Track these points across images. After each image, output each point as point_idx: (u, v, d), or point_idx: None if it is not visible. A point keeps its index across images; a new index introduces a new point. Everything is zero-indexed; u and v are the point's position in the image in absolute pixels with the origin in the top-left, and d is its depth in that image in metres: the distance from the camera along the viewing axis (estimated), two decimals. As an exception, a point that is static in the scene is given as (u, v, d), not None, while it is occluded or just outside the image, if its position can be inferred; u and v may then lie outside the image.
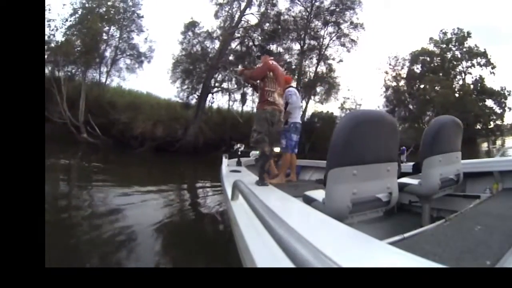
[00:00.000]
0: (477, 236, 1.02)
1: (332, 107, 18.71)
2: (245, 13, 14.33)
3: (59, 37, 11.85)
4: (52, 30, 11.61)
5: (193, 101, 13.85)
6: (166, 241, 2.63)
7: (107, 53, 14.16)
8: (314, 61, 16.05)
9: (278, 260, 0.53)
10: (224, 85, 15.08)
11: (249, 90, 15.47)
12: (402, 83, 19.80)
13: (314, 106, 16.91)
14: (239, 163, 2.75)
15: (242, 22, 14.43)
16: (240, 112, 15.45)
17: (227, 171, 2.12)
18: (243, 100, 15.57)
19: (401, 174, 1.78)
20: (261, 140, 2.68)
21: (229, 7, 14.63)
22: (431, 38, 20.04)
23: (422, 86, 18.60)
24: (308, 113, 16.41)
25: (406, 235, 1.11)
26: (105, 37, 13.50)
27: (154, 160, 10.14)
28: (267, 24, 14.74)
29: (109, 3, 12.79)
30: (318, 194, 1.41)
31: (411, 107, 19.27)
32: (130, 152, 10.76)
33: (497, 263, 0.81)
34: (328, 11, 15.26)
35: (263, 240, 0.64)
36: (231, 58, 14.48)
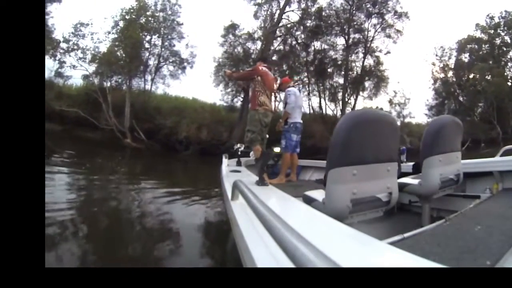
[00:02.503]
0: (477, 236, 1.02)
1: (380, 102, 17.99)
2: (285, 11, 14.07)
3: (103, 49, 12.37)
4: (95, 42, 12.11)
5: (238, 104, 13.79)
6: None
7: (151, 62, 14.48)
8: (360, 55, 15.56)
9: (278, 260, 0.53)
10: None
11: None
12: (450, 74, 18.46)
13: (362, 103, 16.38)
14: (239, 163, 2.75)
15: (283, 20, 14.20)
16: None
17: (227, 171, 2.11)
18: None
19: (401, 174, 1.78)
20: (255, 139, 2.76)
21: (268, 5, 14.44)
22: (477, 24, 17.96)
23: (471, 76, 17.01)
24: (357, 108, 15.83)
25: (406, 235, 1.11)
26: (147, 46, 13.84)
27: (198, 163, 10.16)
28: (309, 21, 14.47)
29: (148, 13, 13.04)
30: (318, 194, 1.41)
31: (461, 99, 18.06)
32: (175, 155, 10.81)
33: (497, 263, 0.81)
34: (370, 2, 14.74)
35: (263, 240, 0.63)
36: (274, 58, 14.27)
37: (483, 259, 0.82)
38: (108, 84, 12.67)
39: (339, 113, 15.29)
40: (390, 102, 16.30)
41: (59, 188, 4.15)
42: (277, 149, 3.10)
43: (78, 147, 9.71)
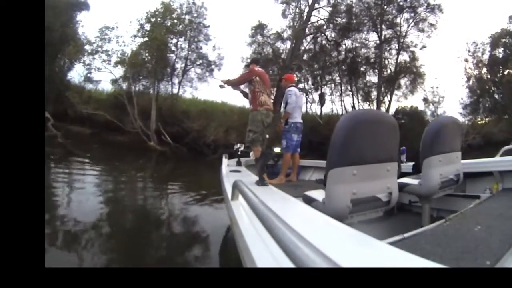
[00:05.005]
0: (477, 236, 1.02)
1: (415, 101, 17.12)
2: (314, 8, 13.73)
3: (129, 52, 12.37)
4: (120, 46, 12.06)
5: None
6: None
7: (178, 65, 14.34)
8: (393, 52, 14.83)
9: (278, 260, 0.53)
10: (300, 85, 14.50)
11: (327, 90, 15.19)
12: (484, 70, 16.98)
13: (397, 103, 15.60)
14: (239, 163, 2.75)
15: (312, 18, 13.85)
16: (319, 113, 14.75)
17: (227, 171, 2.11)
18: (322, 101, 14.60)
19: (401, 174, 1.78)
20: (256, 140, 2.77)
21: (296, 3, 14.07)
22: (511, 17, 16.33)
23: (507, 72, 15.67)
24: (392, 109, 15.00)
25: (406, 235, 1.11)
26: (174, 49, 13.75)
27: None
28: (339, 18, 14.06)
29: (173, 15, 12.93)
30: (318, 194, 1.41)
31: (496, 96, 16.67)
32: (202, 159, 10.56)
33: (497, 263, 0.81)
34: (401, -4, 13.99)
35: (263, 240, 0.64)
36: (304, 58, 14.06)
37: (483, 259, 0.82)
38: (136, 88, 12.74)
39: (374, 112, 14.60)
40: (425, 100, 15.32)
41: (75, 191, 4.20)
42: (277, 149, 3.10)
43: (98, 150, 9.73)
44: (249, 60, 13.03)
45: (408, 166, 2.10)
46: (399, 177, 1.63)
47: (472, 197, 1.84)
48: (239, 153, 2.96)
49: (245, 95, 2.95)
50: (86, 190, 4.36)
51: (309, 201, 1.41)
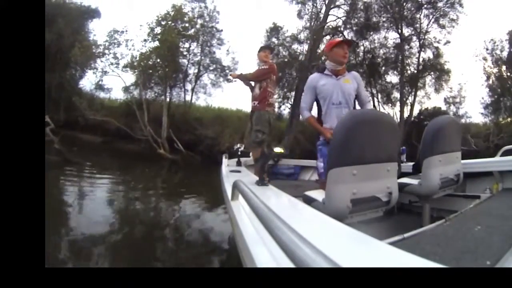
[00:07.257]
0: (477, 236, 1.02)
1: (437, 102, 15.91)
2: (331, 7, 13.22)
3: (138, 56, 12.10)
4: (130, 49, 11.74)
5: (285, 111, 12.99)
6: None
7: (191, 71, 13.99)
8: (414, 51, 13.94)
9: (278, 260, 0.53)
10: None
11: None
12: (504, 68, 15.88)
13: (419, 104, 14.69)
14: (239, 163, 2.75)
15: (329, 17, 13.36)
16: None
17: (227, 171, 2.11)
18: (341, 105, 14.39)
19: (401, 174, 1.79)
20: (265, 140, 2.74)
21: (312, 2, 13.56)
22: None
23: None
24: (415, 111, 14.12)
25: (406, 235, 1.11)
26: (185, 54, 13.43)
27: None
28: (356, 18, 13.63)
29: (185, 19, 12.62)
30: (318, 194, 1.41)
31: None
32: (215, 168, 9.72)
33: (497, 263, 0.81)
34: (420, -8, 13.37)
35: (263, 240, 0.64)
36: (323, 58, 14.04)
37: (483, 259, 0.82)
38: (147, 95, 12.47)
39: (397, 114, 13.45)
40: (445, 101, 14.44)
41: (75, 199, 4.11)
42: (277, 149, 3.08)
43: (103, 158, 9.45)
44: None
45: (408, 166, 2.11)
46: (399, 177, 1.63)
47: (472, 197, 1.85)
48: (239, 153, 2.95)
49: (252, 88, 2.85)
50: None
51: (309, 201, 1.41)
